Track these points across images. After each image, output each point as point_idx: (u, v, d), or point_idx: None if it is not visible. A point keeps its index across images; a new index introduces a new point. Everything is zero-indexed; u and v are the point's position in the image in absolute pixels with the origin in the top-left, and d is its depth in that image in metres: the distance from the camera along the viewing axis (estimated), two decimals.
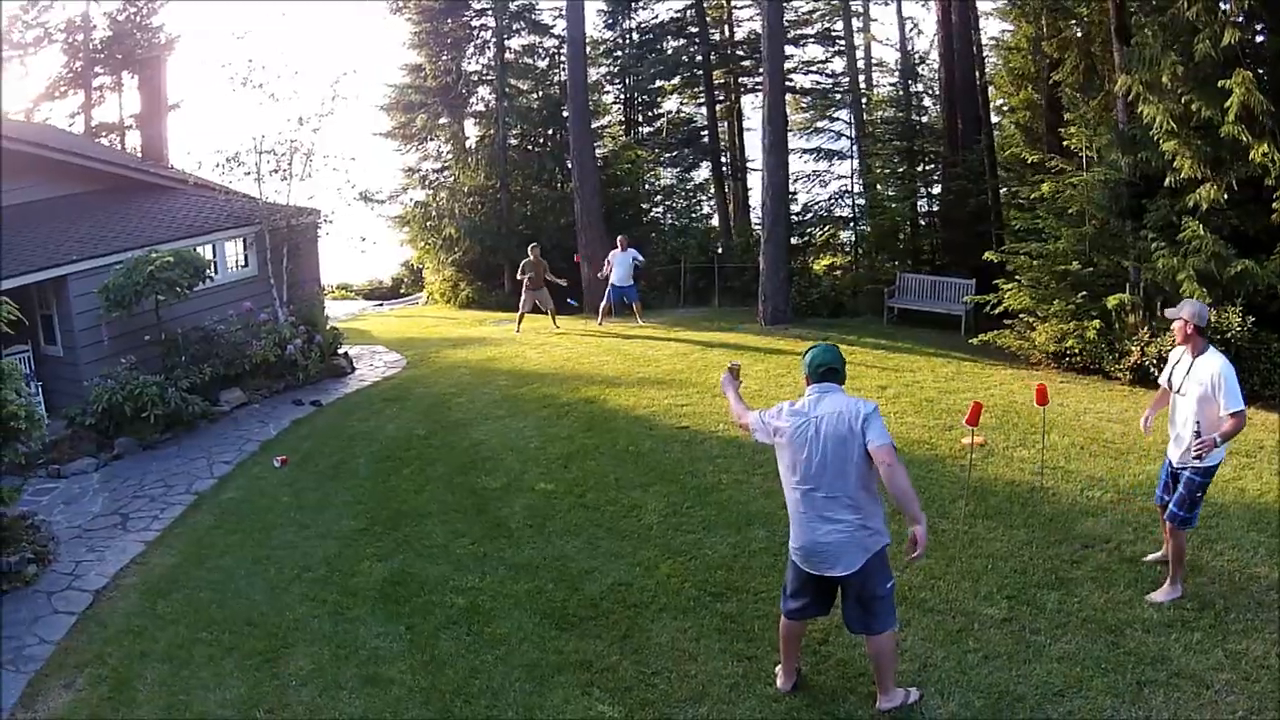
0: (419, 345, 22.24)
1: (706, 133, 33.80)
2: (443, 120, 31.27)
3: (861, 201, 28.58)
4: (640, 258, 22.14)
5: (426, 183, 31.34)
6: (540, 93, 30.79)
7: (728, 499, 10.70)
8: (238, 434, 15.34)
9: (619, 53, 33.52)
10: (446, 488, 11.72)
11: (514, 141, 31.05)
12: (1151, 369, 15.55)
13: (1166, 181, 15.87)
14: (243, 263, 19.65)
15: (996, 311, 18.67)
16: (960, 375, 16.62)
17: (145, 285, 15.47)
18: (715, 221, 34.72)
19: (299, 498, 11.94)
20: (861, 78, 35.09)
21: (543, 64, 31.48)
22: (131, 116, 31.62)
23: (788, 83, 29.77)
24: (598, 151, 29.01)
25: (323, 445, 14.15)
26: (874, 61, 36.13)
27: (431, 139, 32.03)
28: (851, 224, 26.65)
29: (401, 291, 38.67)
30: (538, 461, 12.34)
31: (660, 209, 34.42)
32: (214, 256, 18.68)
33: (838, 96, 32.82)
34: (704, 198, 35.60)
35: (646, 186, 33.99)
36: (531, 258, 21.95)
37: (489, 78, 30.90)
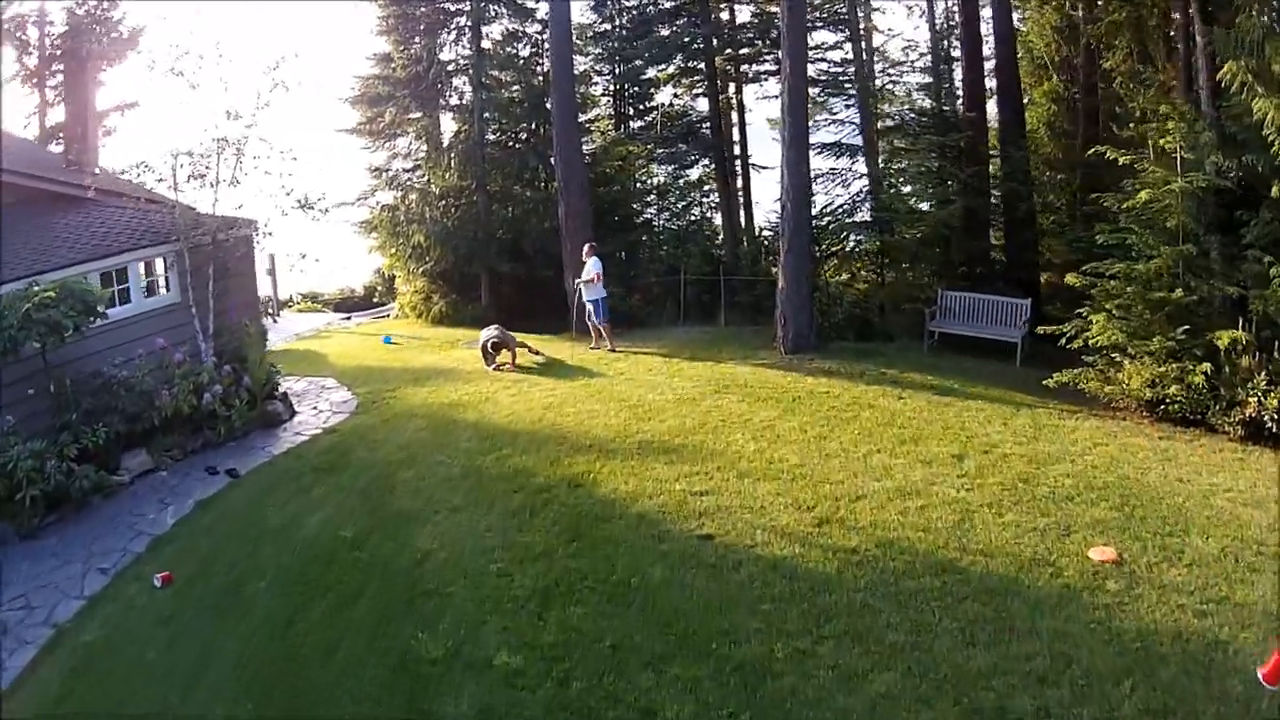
0: (376, 378, 18.86)
1: (707, 125, 30.32)
2: (414, 115, 27.66)
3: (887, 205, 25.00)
4: (599, 268, 20.00)
5: (395, 184, 27.73)
6: (522, 83, 27.20)
7: (789, 693, 7.26)
8: (132, 518, 12.21)
9: (609, 41, 29.98)
10: (367, 650, 8.33)
11: (493, 138, 27.51)
12: (1270, 424, 12.82)
13: (1275, 190, 13.13)
14: (162, 288, 16.18)
15: (1072, 345, 15.33)
16: (1041, 431, 13.41)
17: (20, 329, 12.26)
18: (719, 224, 31.20)
19: (173, 649, 8.71)
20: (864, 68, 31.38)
21: (525, 52, 27.87)
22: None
23: None
24: (585, 147, 25.52)
25: (223, 549, 10.83)
26: (875, 48, 32.15)
27: (401, 135, 28.38)
28: (879, 230, 22.97)
29: (375, 300, 35.08)
30: (500, 603, 8.92)
31: (654, 209, 30.85)
32: (123, 283, 15.40)
33: (847, 85, 29.26)
34: (700, 196, 32.01)
35: (638, 185, 30.43)
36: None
37: (466, 67, 27.36)
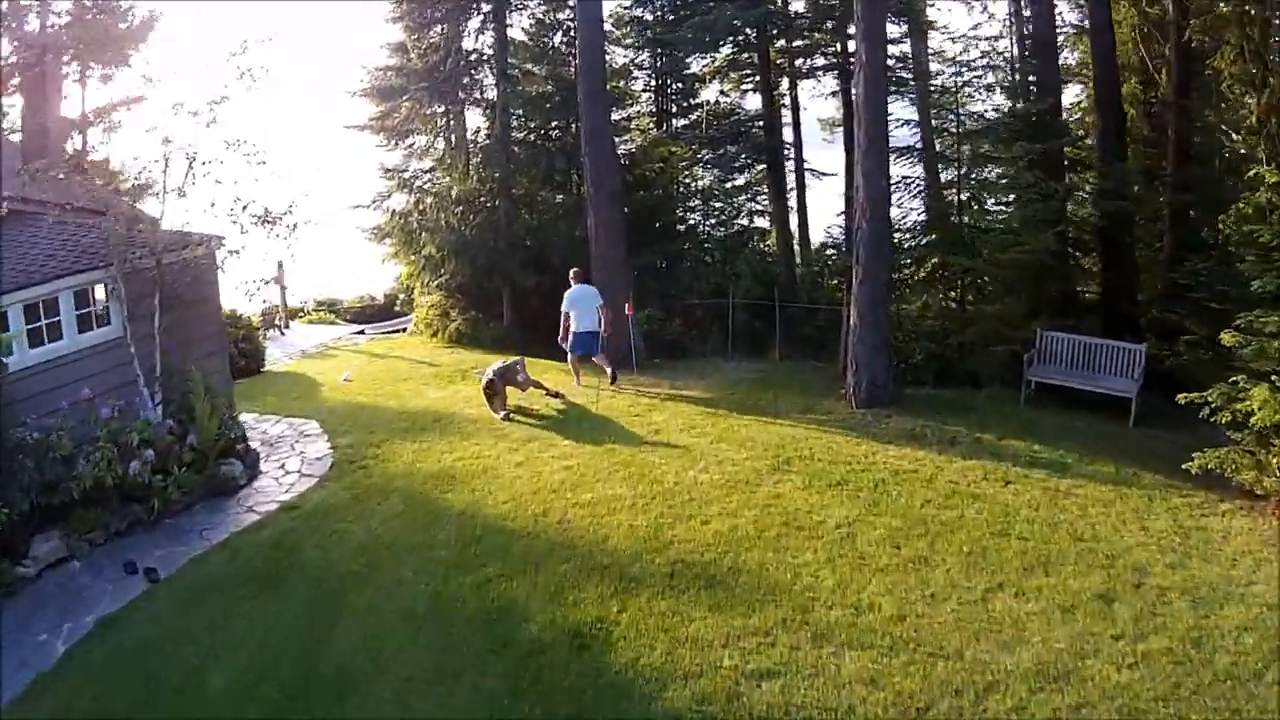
0: (365, 422, 15.98)
1: (758, 125, 26.99)
2: (431, 110, 24.56)
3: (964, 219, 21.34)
4: (599, 299, 17.32)
5: (410, 186, 24.63)
6: (552, 76, 23.91)
7: None
8: (20, 635, 9.38)
9: (648, 31, 26.72)
10: None
11: (519, 136, 24.32)
12: None
13: None
14: (104, 320, 13.29)
15: (1220, 419, 11.93)
16: (1189, 540, 10.42)
17: None
18: (771, 238, 27.77)
19: None
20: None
21: (557, 40, 24.57)
22: (92, 112, 25.24)
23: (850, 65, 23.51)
24: (621, 148, 22.34)
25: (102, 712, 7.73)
26: (930, 51, 28.22)
27: (417, 133, 25.23)
28: (963, 251, 19.31)
29: (396, 310, 32.09)
30: None
31: (698, 215, 27.50)
32: (52, 316, 12.63)
33: (910, 82, 25.67)
34: (749, 203, 28.56)
35: (681, 190, 27.10)
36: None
37: (489, 58, 24.15)
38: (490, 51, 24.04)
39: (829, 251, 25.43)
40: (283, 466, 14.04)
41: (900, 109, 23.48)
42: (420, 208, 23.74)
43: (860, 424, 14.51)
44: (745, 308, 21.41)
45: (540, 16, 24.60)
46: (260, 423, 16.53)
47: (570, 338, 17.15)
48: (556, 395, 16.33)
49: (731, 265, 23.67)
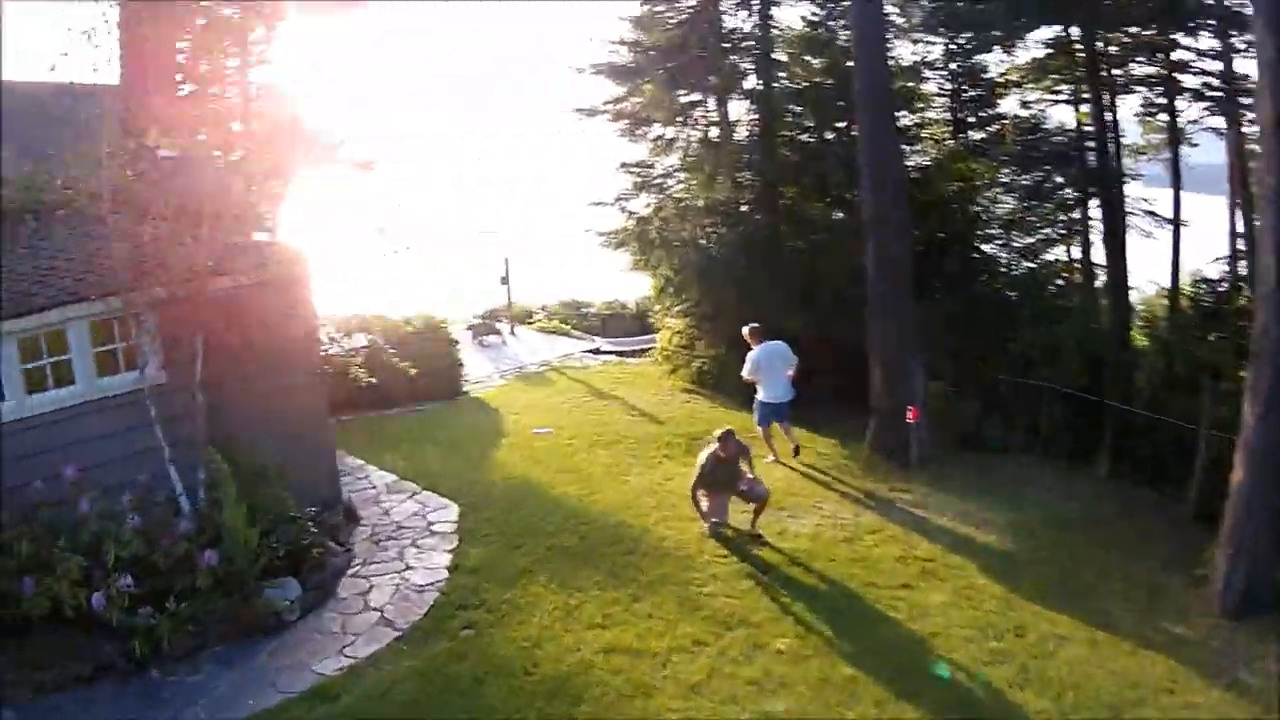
0: (519, 526, 11.39)
1: (1085, 144, 20.39)
2: (676, 97, 19.51)
3: None
4: (794, 357, 13.93)
5: (652, 187, 19.73)
6: (827, 62, 18.29)
7: None
8: None
9: (941, 26, 20.90)
10: None
11: (786, 135, 18.81)
12: None
13: None
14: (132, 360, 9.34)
15: None
16: None
17: None
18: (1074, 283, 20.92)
19: None
20: None
21: (839, 26, 18.85)
22: None
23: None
24: (910, 160, 17.56)
25: None
26: None
27: (661, 124, 20.11)
28: None
29: (650, 323, 27.24)
30: None
31: (997, 253, 20.91)
32: (62, 353, 9.23)
33: None
34: (1056, 237, 21.91)
35: (984, 215, 20.58)
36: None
37: (747, 36, 18.95)
38: (751, 29, 18.60)
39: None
40: (365, 596, 9.58)
41: None
42: (661, 214, 18.71)
43: (1235, 657, 8.35)
44: (1061, 392, 15.16)
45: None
46: (390, 495, 12.44)
47: (757, 409, 13.98)
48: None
49: (1044, 326, 17.14)
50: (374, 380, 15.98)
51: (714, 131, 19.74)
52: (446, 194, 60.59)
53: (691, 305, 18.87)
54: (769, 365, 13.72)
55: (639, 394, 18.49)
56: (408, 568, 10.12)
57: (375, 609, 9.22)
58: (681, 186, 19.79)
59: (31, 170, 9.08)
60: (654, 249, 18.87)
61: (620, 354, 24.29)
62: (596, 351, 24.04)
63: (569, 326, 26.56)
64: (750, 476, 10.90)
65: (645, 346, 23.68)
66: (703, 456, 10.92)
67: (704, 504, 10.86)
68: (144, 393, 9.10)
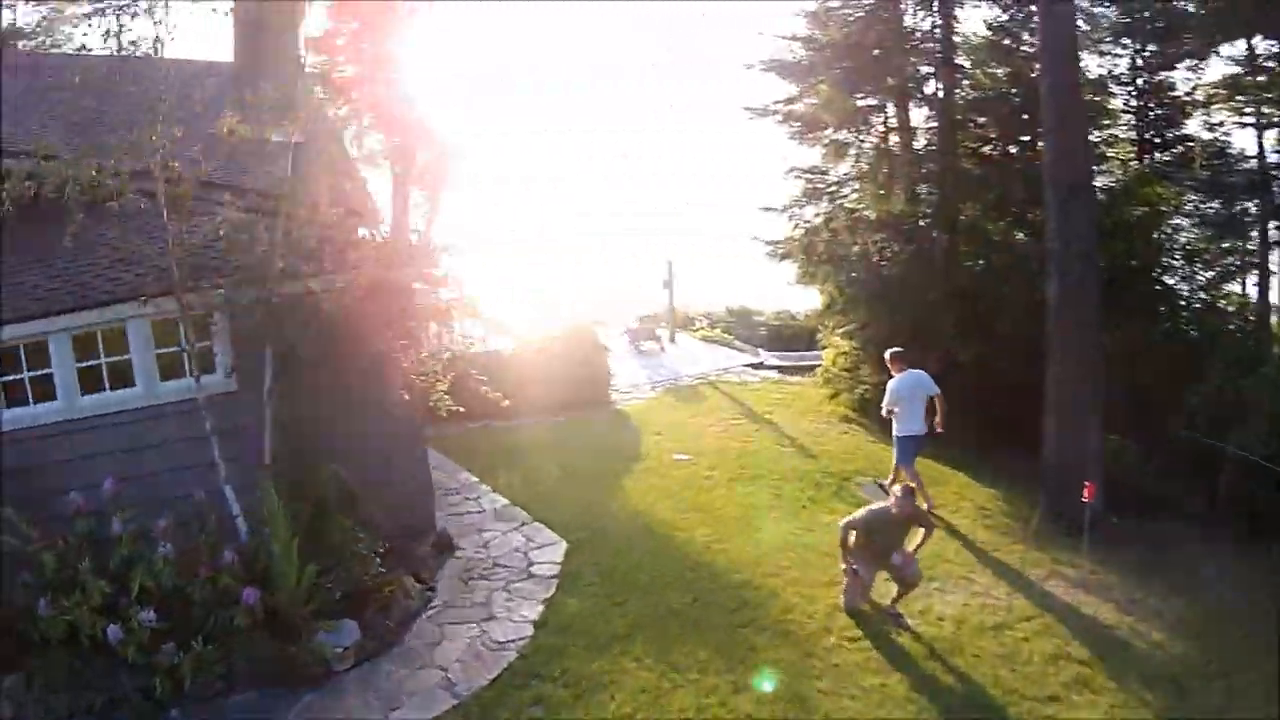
0: (627, 575, 9.95)
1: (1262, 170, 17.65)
2: (851, 100, 17.43)
3: None
4: (935, 388, 12.20)
5: (820, 195, 17.87)
6: (1010, 68, 16.01)
7: None
8: None
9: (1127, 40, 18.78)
10: None
11: (971, 145, 16.66)
12: None
13: None
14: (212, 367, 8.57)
15: None
16: None
17: None
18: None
19: None
20: None
21: (1024, 31, 16.53)
22: None
23: None
24: (1095, 181, 14.76)
25: None
26: None
27: (835, 128, 18.15)
28: None
29: (816, 341, 25.37)
30: None
31: (1177, 278, 18.04)
32: (120, 353, 8.62)
33: None
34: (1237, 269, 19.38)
35: (1168, 244, 17.76)
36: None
37: (927, 37, 16.90)
38: (931, 29, 16.56)
39: None
40: (433, 648, 8.41)
41: None
42: (831, 225, 16.88)
43: None
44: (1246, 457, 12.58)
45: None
46: (496, 524, 11.42)
47: (900, 445, 12.38)
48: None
49: (1231, 379, 14.48)
50: (495, 392, 15.01)
51: (892, 139, 17.74)
52: (606, 191, 59.53)
53: (857, 327, 17.01)
54: (911, 396, 12.19)
55: (795, 419, 16.80)
56: (491, 617, 8.83)
57: (439, 666, 7.96)
58: (854, 196, 17.88)
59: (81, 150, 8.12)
60: (821, 263, 17.09)
61: (784, 369, 22.60)
62: (758, 366, 22.42)
63: (731, 336, 24.94)
64: (909, 551, 9.08)
65: (811, 363, 21.88)
66: (865, 512, 9.18)
67: (852, 575, 9.15)
68: (200, 401, 8.08)
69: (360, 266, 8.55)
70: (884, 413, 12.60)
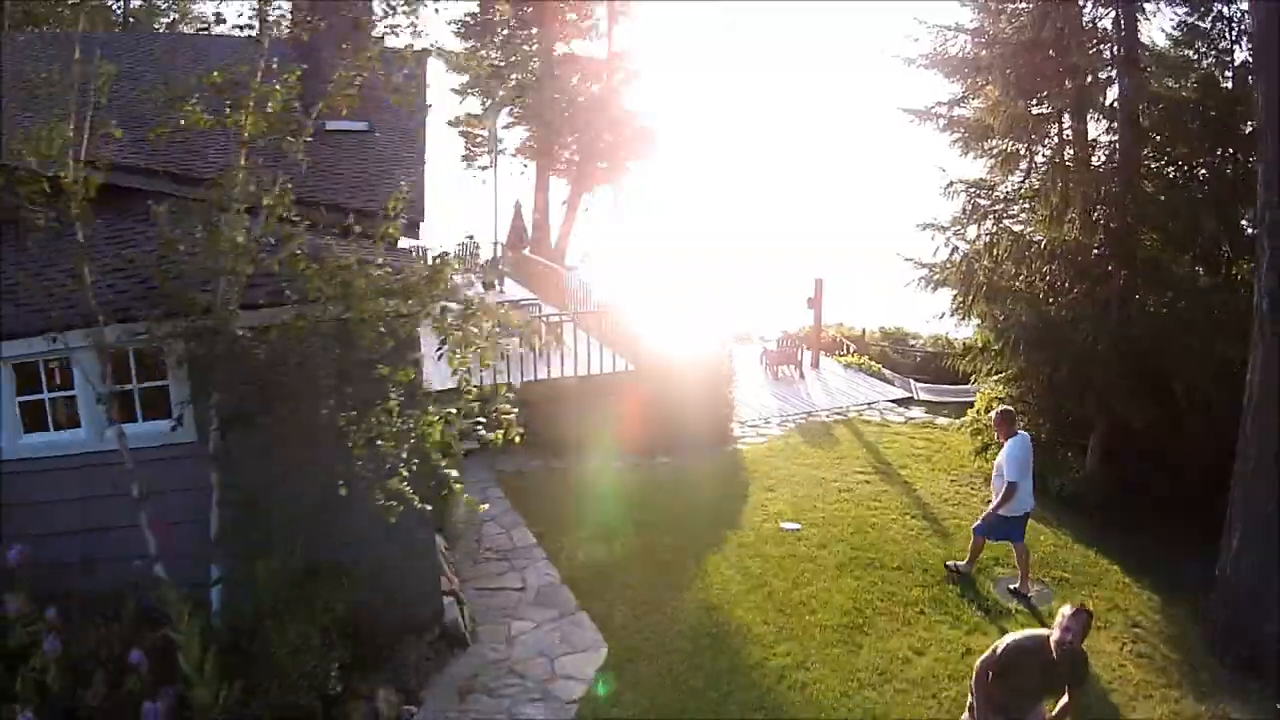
0: (674, 701, 8.02)
1: None
2: (1025, 107, 14.29)
3: None
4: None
5: (991, 216, 15.05)
6: (1200, 79, 12.99)
7: None
8: None
9: None
10: None
11: (1153, 166, 13.62)
12: None
13: None
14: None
15: None
16: None
17: None
18: None
19: None
20: None
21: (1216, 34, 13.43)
22: None
23: None
24: None
25: None
26: None
27: (1009, 137, 15.12)
28: None
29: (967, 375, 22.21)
30: None
31: None
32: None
33: None
34: None
35: None
36: None
37: (1106, 38, 13.68)
38: (1114, 27, 13.62)
39: None
40: None
41: None
42: (994, 253, 14.13)
43: None
44: None
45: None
46: (532, 610, 9.62)
47: (1000, 525, 10.37)
48: None
49: None
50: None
51: (1068, 153, 14.77)
52: (753, 193, 56.44)
53: (1013, 375, 14.32)
54: (1026, 465, 10.21)
55: (933, 477, 14.30)
56: None
57: None
58: (1021, 216, 15.06)
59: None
60: (979, 296, 14.40)
61: (935, 404, 19.91)
62: (906, 401, 19.74)
63: (880, 366, 22.25)
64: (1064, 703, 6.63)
65: (965, 400, 19.08)
66: (1010, 643, 6.71)
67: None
68: (125, 455, 6.47)
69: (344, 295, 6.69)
70: (998, 489, 10.18)
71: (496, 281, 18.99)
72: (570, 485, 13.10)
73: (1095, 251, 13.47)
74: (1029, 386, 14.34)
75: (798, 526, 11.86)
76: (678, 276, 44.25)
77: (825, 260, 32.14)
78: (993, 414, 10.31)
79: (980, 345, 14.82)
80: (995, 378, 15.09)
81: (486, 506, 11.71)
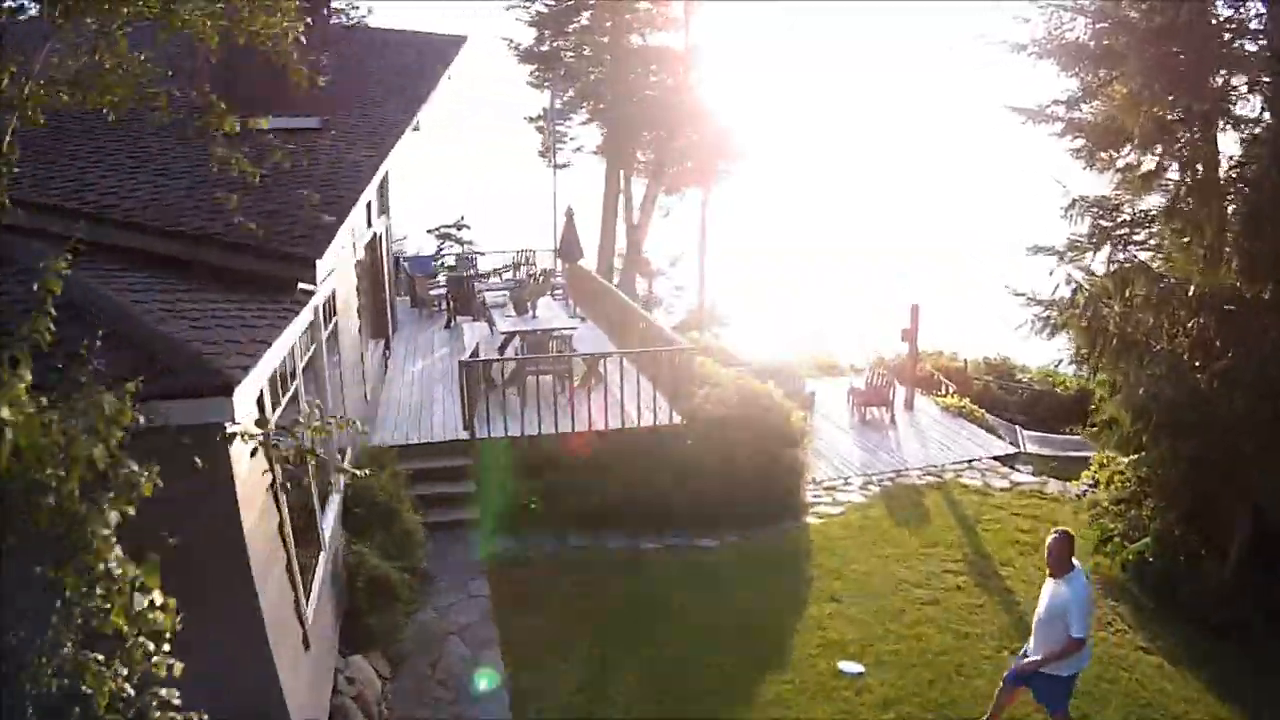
0: None
1: None
2: (1162, 112, 11.28)
3: None
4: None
5: (1119, 241, 12.27)
6: None
7: None
8: None
9: None
10: None
11: None
12: None
13: None
14: None
15: None
16: None
17: None
18: None
19: None
20: None
21: None
22: None
23: None
24: None
25: None
26: None
27: (1141, 146, 12.20)
28: None
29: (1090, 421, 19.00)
30: None
31: None
32: None
33: None
34: None
35: None
36: None
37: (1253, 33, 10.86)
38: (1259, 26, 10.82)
39: None
40: None
41: None
42: (1127, 295, 11.30)
43: None
44: None
45: None
46: None
47: (1053, 686, 7.81)
48: None
49: None
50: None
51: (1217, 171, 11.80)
52: (839, 197, 52.57)
53: (1139, 450, 11.64)
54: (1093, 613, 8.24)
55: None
56: None
57: None
58: (1154, 244, 12.29)
59: None
60: (1107, 348, 11.69)
61: (1046, 459, 17.19)
62: (1011, 459, 16.94)
63: (982, 412, 19.32)
64: None
65: (1080, 457, 16.28)
66: None
67: None
68: None
69: None
70: (1047, 638, 7.67)
71: (531, 305, 16.93)
72: (578, 581, 10.90)
73: (1238, 292, 10.51)
74: (1163, 472, 11.52)
75: (860, 670, 9.33)
76: (767, 278, 41.74)
77: (922, 260, 29.68)
78: (1049, 539, 7.66)
79: (1109, 419, 11.99)
80: (1118, 442, 12.20)
81: None
